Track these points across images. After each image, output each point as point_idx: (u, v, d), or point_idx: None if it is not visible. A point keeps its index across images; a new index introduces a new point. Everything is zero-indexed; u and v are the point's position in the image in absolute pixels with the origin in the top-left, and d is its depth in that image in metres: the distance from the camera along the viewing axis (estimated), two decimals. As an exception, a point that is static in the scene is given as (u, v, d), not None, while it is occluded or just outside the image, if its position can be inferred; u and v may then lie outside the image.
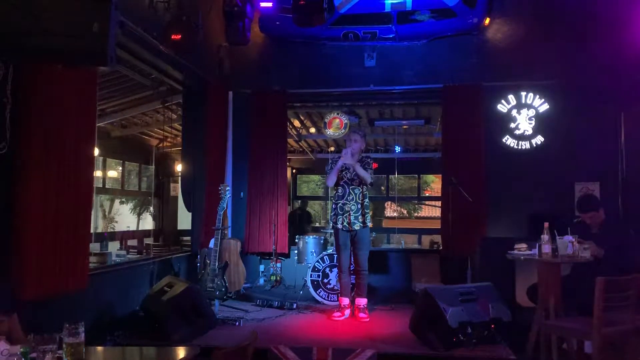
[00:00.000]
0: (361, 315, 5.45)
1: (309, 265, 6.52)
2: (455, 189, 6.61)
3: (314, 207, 19.04)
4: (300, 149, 12.02)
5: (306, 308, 6.03)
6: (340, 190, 5.58)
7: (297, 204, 12.80)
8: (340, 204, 5.54)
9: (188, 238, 7.66)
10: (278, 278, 7.28)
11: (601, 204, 4.40)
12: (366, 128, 10.21)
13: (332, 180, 5.53)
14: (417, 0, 7.00)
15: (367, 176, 5.43)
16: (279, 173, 7.59)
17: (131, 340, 4.60)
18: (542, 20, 7.09)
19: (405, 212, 20.78)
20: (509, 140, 7.01)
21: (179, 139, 8.98)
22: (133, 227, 15.82)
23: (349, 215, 5.47)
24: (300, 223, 10.12)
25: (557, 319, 3.93)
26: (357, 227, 5.47)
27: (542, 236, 4.04)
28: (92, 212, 4.59)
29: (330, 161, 5.74)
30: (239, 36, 5.33)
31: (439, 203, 7.97)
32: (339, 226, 5.52)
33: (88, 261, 4.52)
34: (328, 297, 6.26)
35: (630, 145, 6.66)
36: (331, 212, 5.70)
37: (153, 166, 11.65)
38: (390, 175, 12.43)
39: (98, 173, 10.44)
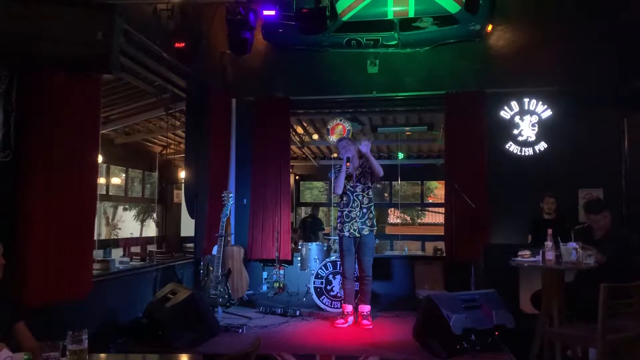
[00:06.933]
0: (364, 322, 5.43)
1: (312, 272, 6.51)
2: (459, 196, 6.61)
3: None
4: (303, 156, 12.06)
5: (309, 315, 6.01)
6: (345, 199, 5.59)
7: (302, 210, 12.77)
8: (346, 212, 5.55)
9: (191, 245, 7.67)
10: (281, 285, 7.27)
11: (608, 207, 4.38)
12: (369, 134, 10.24)
13: (340, 187, 5.53)
14: (419, 7, 7.02)
15: (379, 168, 5.44)
16: (281, 180, 7.60)
17: (134, 347, 4.60)
18: (544, 27, 7.11)
19: (408, 218, 20.77)
20: (512, 147, 7.01)
21: (182, 145, 9.01)
22: (136, 234, 15.85)
23: (356, 221, 5.48)
24: (311, 230, 10.12)
25: (561, 326, 3.91)
26: (365, 232, 5.48)
27: (545, 243, 4.03)
28: (96, 219, 4.60)
29: (333, 170, 5.75)
30: (242, 44, 5.35)
31: (442, 209, 7.94)
32: (346, 233, 5.52)
33: (92, 268, 4.53)
34: (331, 304, 6.25)
35: (634, 151, 6.65)
36: (337, 220, 5.70)
37: (156, 173, 11.69)
38: (393, 182, 12.44)
39: (102, 180, 10.47)
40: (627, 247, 4.09)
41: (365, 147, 5.38)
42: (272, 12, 5.09)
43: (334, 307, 6.20)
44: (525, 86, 7.01)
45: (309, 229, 10.20)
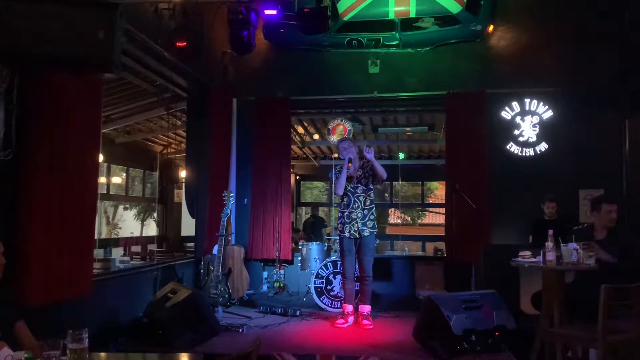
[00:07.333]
0: (365, 322, 5.42)
1: (313, 272, 6.51)
2: (459, 196, 6.60)
3: (318, 214, 19.07)
4: (304, 156, 12.06)
5: (309, 315, 6.01)
6: (345, 200, 5.58)
7: (302, 210, 12.75)
8: (346, 213, 5.54)
9: (192, 244, 7.67)
10: (281, 285, 7.28)
11: None
12: (370, 135, 10.25)
13: (340, 188, 5.52)
14: (420, 7, 7.03)
15: (383, 171, 5.42)
16: (282, 179, 7.60)
17: (134, 346, 4.59)
18: (545, 27, 7.11)
19: (409, 219, 20.76)
20: (513, 147, 7.01)
21: (183, 145, 9.02)
22: (137, 234, 15.85)
23: (357, 222, 5.47)
24: (312, 230, 10.14)
25: (562, 327, 3.90)
26: (366, 233, 5.47)
27: (546, 243, 4.03)
28: (96, 218, 4.60)
29: (334, 170, 5.74)
30: (244, 44, 5.34)
31: (442, 210, 7.95)
32: (347, 234, 5.51)
33: (92, 267, 4.53)
34: (331, 304, 6.25)
35: (634, 152, 6.64)
36: (338, 221, 5.69)
37: (157, 172, 11.69)
38: (393, 182, 12.43)
39: (102, 179, 10.48)
40: (628, 247, 4.09)
41: (369, 154, 5.36)
42: (274, 12, 5.08)
43: (334, 307, 6.19)
44: (526, 87, 7.01)
45: (310, 229, 10.21)
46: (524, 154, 6.99)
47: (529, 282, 5.14)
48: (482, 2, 6.95)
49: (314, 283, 6.34)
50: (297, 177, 13.70)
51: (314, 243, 7.14)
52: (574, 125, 6.80)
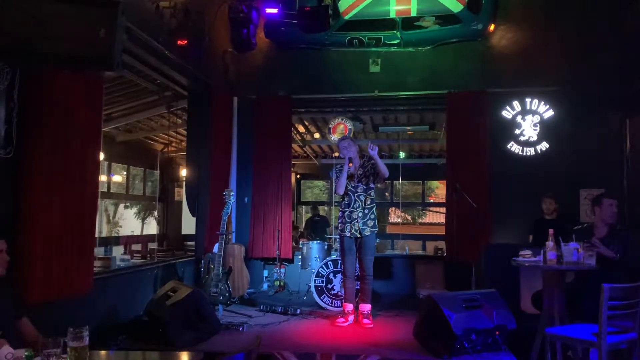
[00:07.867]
0: (365, 321, 5.42)
1: (313, 270, 6.50)
2: (460, 195, 6.61)
3: (318, 213, 19.06)
4: (305, 154, 12.06)
5: (310, 314, 6.01)
6: (346, 199, 5.57)
7: (302, 209, 12.75)
8: (347, 212, 5.53)
9: (192, 243, 7.68)
10: (282, 283, 7.28)
11: None
12: (370, 134, 10.25)
13: (341, 187, 5.51)
14: (422, 6, 7.02)
15: (385, 169, 5.39)
16: (283, 178, 7.61)
17: (135, 345, 4.59)
18: (546, 27, 7.11)
19: (409, 218, 20.76)
20: (514, 147, 7.01)
21: (184, 143, 9.02)
22: (137, 232, 15.87)
23: (357, 222, 5.46)
24: (319, 229, 10.14)
25: (562, 327, 3.90)
26: (367, 232, 5.47)
27: (547, 243, 4.02)
28: (97, 217, 4.60)
29: (334, 169, 5.73)
30: (245, 42, 5.36)
31: (443, 209, 7.95)
32: (347, 234, 5.50)
33: (93, 265, 4.54)
34: (332, 302, 6.25)
35: (635, 152, 6.63)
36: (339, 220, 5.69)
37: (158, 171, 11.69)
38: (394, 181, 12.43)
39: (103, 177, 10.48)
40: (628, 246, 4.09)
41: (373, 150, 5.33)
42: (275, 10, 5.10)
43: (334, 306, 6.19)
44: (527, 86, 7.01)
45: (311, 228, 10.21)
46: (524, 154, 6.99)
47: (529, 282, 5.13)
48: (483, 1, 6.95)
49: (315, 282, 6.34)
50: (298, 176, 13.70)
51: (315, 242, 7.14)
52: (575, 125, 6.80)
